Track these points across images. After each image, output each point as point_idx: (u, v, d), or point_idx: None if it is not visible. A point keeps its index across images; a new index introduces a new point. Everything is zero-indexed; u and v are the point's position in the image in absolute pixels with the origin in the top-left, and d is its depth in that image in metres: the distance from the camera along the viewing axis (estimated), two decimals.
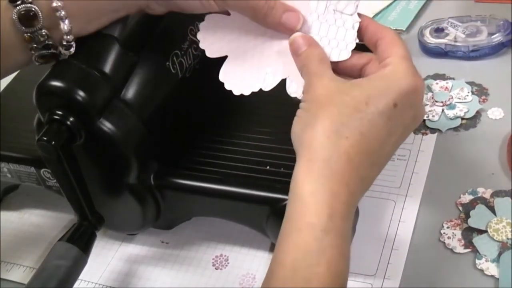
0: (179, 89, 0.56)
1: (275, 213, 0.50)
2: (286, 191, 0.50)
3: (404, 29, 0.77)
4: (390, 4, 0.81)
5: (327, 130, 0.41)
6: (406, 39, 0.75)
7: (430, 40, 0.72)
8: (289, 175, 0.52)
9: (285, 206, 0.49)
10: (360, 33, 0.47)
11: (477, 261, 0.52)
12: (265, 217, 0.51)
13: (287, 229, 0.40)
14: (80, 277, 0.51)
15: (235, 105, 0.61)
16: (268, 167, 0.54)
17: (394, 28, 0.77)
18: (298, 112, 0.44)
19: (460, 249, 0.54)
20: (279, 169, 0.53)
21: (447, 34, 0.72)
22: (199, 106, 0.60)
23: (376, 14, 0.80)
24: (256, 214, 0.51)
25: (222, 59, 0.50)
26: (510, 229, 0.53)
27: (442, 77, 0.69)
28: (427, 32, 0.73)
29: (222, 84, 0.49)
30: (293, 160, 0.54)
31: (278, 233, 0.51)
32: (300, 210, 0.40)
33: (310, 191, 0.40)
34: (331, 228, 0.39)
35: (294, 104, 0.60)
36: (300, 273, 0.38)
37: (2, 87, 0.71)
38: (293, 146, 0.43)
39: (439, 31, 0.73)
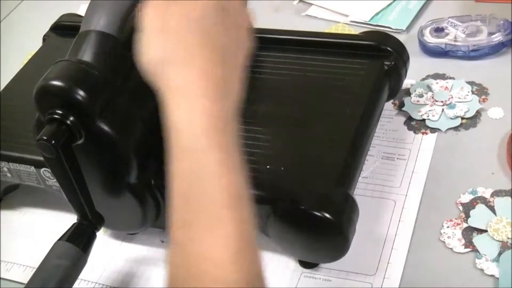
0: None
1: (276, 213, 0.50)
2: (286, 191, 0.50)
3: (404, 28, 0.77)
4: (390, 4, 0.81)
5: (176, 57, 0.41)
6: (406, 39, 0.75)
7: (430, 39, 0.72)
8: (290, 175, 0.53)
9: (285, 206, 0.50)
10: None
11: (477, 261, 0.53)
12: (265, 217, 0.51)
13: (172, 161, 0.40)
14: (80, 276, 0.51)
15: None
16: (268, 167, 0.54)
17: (394, 28, 0.77)
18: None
19: (460, 248, 0.54)
20: (279, 168, 0.53)
21: (447, 34, 0.72)
22: None
23: (376, 14, 0.80)
24: (256, 214, 0.51)
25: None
26: (510, 229, 0.54)
27: (442, 76, 0.69)
28: (427, 31, 0.73)
29: None
30: (294, 158, 0.54)
31: (279, 233, 0.51)
32: (176, 138, 0.40)
33: (180, 117, 0.40)
34: (210, 145, 0.38)
35: (294, 104, 0.60)
36: (193, 198, 0.38)
37: (2, 87, 0.71)
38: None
39: (439, 30, 0.73)
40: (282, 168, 0.53)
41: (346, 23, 0.80)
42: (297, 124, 0.57)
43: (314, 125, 0.57)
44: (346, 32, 0.79)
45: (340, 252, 0.51)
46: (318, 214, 0.48)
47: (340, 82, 0.61)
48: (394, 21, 0.78)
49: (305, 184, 0.52)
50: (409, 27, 0.77)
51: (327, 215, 0.48)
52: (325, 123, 0.57)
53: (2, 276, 0.61)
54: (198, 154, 0.38)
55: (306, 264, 0.56)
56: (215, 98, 0.40)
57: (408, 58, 0.64)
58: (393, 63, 0.61)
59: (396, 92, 0.64)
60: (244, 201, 0.39)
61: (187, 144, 0.39)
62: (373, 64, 0.61)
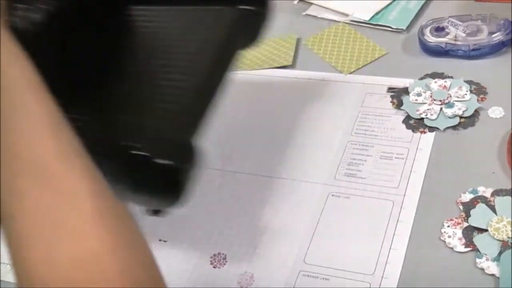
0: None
1: (117, 160, 0.48)
2: (128, 138, 0.48)
3: (404, 28, 0.77)
4: (391, 3, 0.81)
5: None
6: (406, 38, 0.75)
7: (431, 39, 0.72)
8: (133, 124, 0.50)
9: (125, 153, 0.47)
10: None
11: (478, 260, 0.52)
12: (109, 166, 0.45)
13: None
14: None
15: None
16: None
17: (395, 27, 0.77)
18: None
19: (460, 248, 0.54)
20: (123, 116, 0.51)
21: (448, 33, 0.72)
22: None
23: (377, 13, 0.80)
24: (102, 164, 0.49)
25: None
26: (510, 228, 0.53)
27: (441, 75, 0.69)
28: (427, 31, 0.73)
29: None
30: (139, 107, 0.51)
31: (120, 179, 0.47)
32: None
33: None
34: None
35: (139, 58, 0.57)
36: (15, 152, 0.36)
37: None
38: None
39: (439, 30, 0.73)
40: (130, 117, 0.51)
41: (347, 23, 0.80)
42: (142, 76, 0.55)
43: (160, 76, 0.55)
44: (346, 33, 0.79)
45: (178, 198, 0.49)
46: (159, 161, 0.47)
47: (190, 31, 0.58)
48: (394, 21, 0.78)
49: (146, 132, 0.50)
50: (409, 27, 0.77)
51: (165, 161, 0.47)
52: (172, 74, 0.54)
53: (2, 279, 0.61)
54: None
55: (153, 212, 0.53)
56: None
57: None
58: (249, 7, 0.57)
59: (256, 37, 0.60)
60: (64, 125, 0.38)
61: None
62: (225, 9, 0.58)
